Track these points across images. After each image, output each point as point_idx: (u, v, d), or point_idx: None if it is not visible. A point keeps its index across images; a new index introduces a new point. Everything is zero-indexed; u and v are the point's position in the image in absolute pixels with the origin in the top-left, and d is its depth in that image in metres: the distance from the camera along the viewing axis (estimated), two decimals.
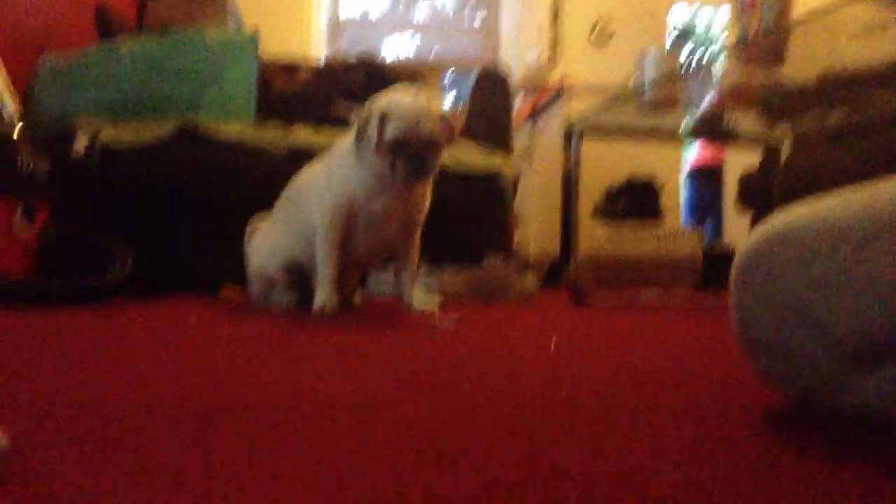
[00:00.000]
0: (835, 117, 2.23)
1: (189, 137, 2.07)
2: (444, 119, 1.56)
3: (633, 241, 3.73)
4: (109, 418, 0.56)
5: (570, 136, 2.19)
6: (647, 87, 1.99)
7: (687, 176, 3.89)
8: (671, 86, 2.01)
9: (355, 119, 1.57)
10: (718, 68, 2.04)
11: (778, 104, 2.11)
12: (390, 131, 1.50)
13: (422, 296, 1.73)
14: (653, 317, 1.70)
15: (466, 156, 2.49)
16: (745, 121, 2.33)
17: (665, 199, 3.91)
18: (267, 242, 1.74)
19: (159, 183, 2.06)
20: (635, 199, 3.88)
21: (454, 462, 0.44)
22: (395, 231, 1.62)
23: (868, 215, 0.47)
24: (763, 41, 1.69)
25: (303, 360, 0.90)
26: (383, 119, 1.51)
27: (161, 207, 2.10)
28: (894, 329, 0.43)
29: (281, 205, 1.76)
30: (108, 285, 1.66)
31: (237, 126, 2.16)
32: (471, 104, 2.85)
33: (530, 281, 2.31)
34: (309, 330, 1.27)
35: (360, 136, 1.54)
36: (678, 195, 4.06)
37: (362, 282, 2.12)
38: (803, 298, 0.47)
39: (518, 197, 4.57)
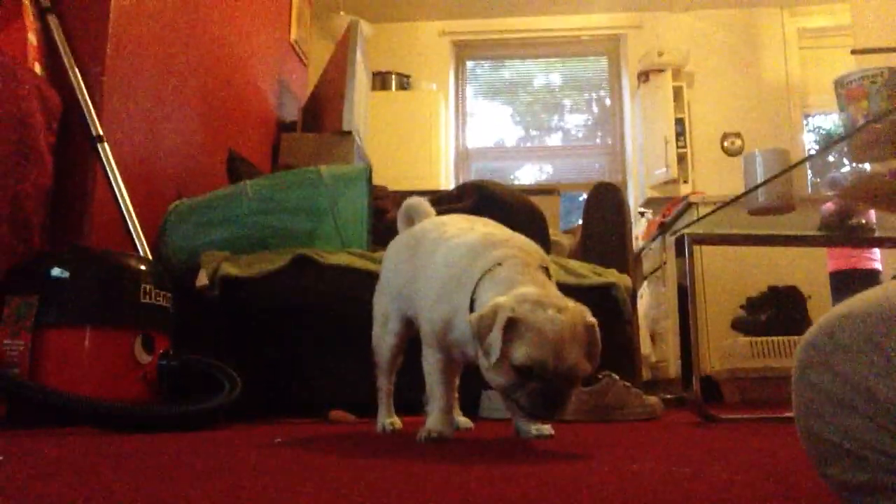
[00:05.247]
0: None
1: (304, 266, 2.19)
2: (590, 332, 1.20)
3: (779, 354, 3.47)
4: None
5: (684, 248, 2.11)
6: (756, 191, 1.90)
7: (831, 281, 3.62)
8: (786, 188, 1.90)
9: (474, 321, 1.23)
10: (840, 165, 1.93)
11: None
12: (521, 353, 1.14)
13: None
14: (787, 436, 1.53)
15: (577, 267, 2.46)
16: (879, 216, 2.16)
17: (815, 308, 3.63)
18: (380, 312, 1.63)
19: (277, 311, 2.17)
20: (779, 310, 3.64)
21: None
22: None
23: None
24: (876, 130, 1.59)
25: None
26: (511, 329, 1.15)
27: (279, 334, 2.20)
28: None
29: (393, 270, 1.59)
30: (219, 410, 1.73)
31: (349, 254, 2.26)
32: (585, 221, 2.84)
33: (652, 399, 2.18)
34: (398, 460, 1.25)
35: (481, 341, 1.20)
36: (829, 303, 3.76)
37: (475, 402, 2.09)
38: (871, 383, 0.42)
39: (653, 314, 4.45)
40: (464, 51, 5.75)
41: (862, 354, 0.43)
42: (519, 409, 1.21)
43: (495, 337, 1.15)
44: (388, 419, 1.64)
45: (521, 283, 1.25)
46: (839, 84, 1.65)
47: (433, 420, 1.39)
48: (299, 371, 2.19)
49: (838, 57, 4.97)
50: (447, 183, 5.18)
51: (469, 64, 5.83)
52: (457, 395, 1.59)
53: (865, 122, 1.55)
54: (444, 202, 2.82)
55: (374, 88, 4.93)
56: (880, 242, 2.45)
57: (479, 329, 1.19)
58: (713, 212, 2.20)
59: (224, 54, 3.19)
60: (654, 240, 4.35)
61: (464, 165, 5.68)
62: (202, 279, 2.05)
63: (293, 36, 4.16)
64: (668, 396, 2.86)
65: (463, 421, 1.72)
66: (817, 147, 5.80)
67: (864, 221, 2.10)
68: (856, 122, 1.59)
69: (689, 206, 3.93)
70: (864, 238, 2.27)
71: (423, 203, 1.70)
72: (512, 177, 5.90)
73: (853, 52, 1.68)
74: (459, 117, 5.72)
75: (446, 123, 5.42)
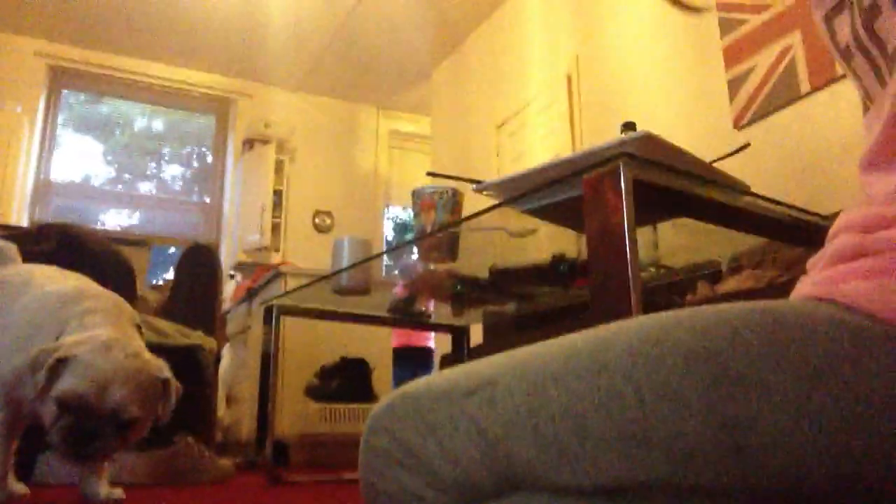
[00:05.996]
0: (510, 308, 2.54)
1: None
2: (159, 386, 1.22)
3: (344, 419, 3.78)
4: None
5: (270, 316, 2.25)
6: (340, 274, 2.13)
7: (393, 356, 4.10)
8: (364, 273, 2.17)
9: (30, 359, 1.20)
10: (409, 259, 2.26)
11: (461, 294, 2.37)
12: (62, 386, 1.14)
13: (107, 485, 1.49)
14: (354, 496, 1.71)
15: (164, 327, 2.43)
16: (435, 306, 2.57)
17: (379, 378, 4.05)
18: None
19: None
20: (348, 379, 3.98)
21: None
22: None
23: (467, 375, 0.56)
24: (439, 237, 1.92)
25: None
26: (62, 365, 1.16)
27: None
28: (491, 473, 0.50)
29: None
30: None
31: None
32: (177, 279, 2.82)
33: (225, 462, 2.23)
34: None
35: (34, 373, 1.18)
36: (390, 375, 4.23)
37: (28, 465, 1.90)
38: (418, 447, 0.54)
39: (232, 376, 4.49)
40: (60, 77, 5.28)
41: (412, 424, 0.55)
42: (56, 447, 1.17)
43: (42, 373, 1.14)
44: None
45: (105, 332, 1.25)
46: (415, 194, 1.97)
47: None
48: None
49: (418, 159, 5.77)
50: (20, 217, 4.64)
51: (64, 93, 5.37)
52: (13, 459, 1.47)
53: (431, 230, 1.87)
54: (20, 242, 2.56)
55: None
56: (434, 327, 2.89)
57: (34, 367, 1.16)
58: (303, 286, 2.39)
59: None
60: (241, 304, 4.43)
61: (44, 200, 5.13)
62: None
63: None
64: (239, 459, 2.92)
65: (19, 487, 1.58)
66: (394, 234, 6.53)
67: (423, 308, 2.49)
68: (425, 228, 1.91)
69: (279, 275, 4.12)
70: (423, 322, 2.66)
71: (11, 248, 1.57)
72: (98, 221, 5.50)
73: (428, 174, 2.03)
74: (45, 147, 5.18)
75: (28, 151, 4.88)
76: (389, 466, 0.57)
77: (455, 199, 1.94)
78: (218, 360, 2.71)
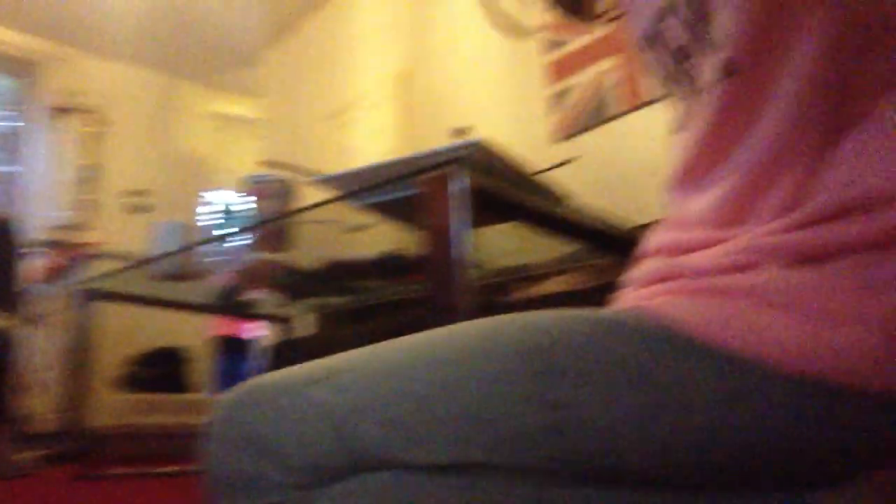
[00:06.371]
0: (346, 299, 2.57)
1: None
2: None
3: (158, 411, 3.64)
4: None
5: (80, 300, 2.13)
6: (161, 259, 2.06)
7: (213, 345, 3.98)
8: (186, 259, 2.11)
9: None
10: (236, 247, 2.22)
11: (291, 284, 2.36)
12: None
13: None
14: (168, 489, 1.67)
15: None
16: (263, 296, 2.54)
17: (195, 369, 3.92)
18: None
19: None
20: (165, 368, 3.83)
21: None
22: None
23: (316, 367, 0.60)
24: (271, 227, 1.91)
25: None
26: None
27: None
28: (342, 454, 0.54)
29: None
30: None
31: None
32: None
33: (26, 455, 2.09)
34: None
35: None
36: (209, 365, 4.11)
37: None
38: (267, 434, 0.56)
39: (38, 362, 4.16)
40: None
41: (262, 412, 0.58)
42: None
43: None
44: None
45: None
46: (247, 181, 1.96)
47: None
48: None
49: (246, 144, 5.61)
50: None
51: None
52: None
53: (263, 218, 1.87)
54: None
55: None
56: (263, 317, 2.86)
57: None
58: (119, 270, 2.28)
59: None
60: (47, 284, 4.12)
61: None
62: None
63: None
64: (46, 452, 2.72)
65: None
66: (216, 220, 6.30)
67: (252, 297, 2.45)
68: (256, 216, 1.90)
69: (92, 256, 3.87)
70: (251, 311, 2.63)
71: None
72: None
73: (264, 162, 2.01)
74: None
75: None
76: (237, 455, 0.59)
77: (289, 189, 1.94)
78: (17, 343, 2.51)
